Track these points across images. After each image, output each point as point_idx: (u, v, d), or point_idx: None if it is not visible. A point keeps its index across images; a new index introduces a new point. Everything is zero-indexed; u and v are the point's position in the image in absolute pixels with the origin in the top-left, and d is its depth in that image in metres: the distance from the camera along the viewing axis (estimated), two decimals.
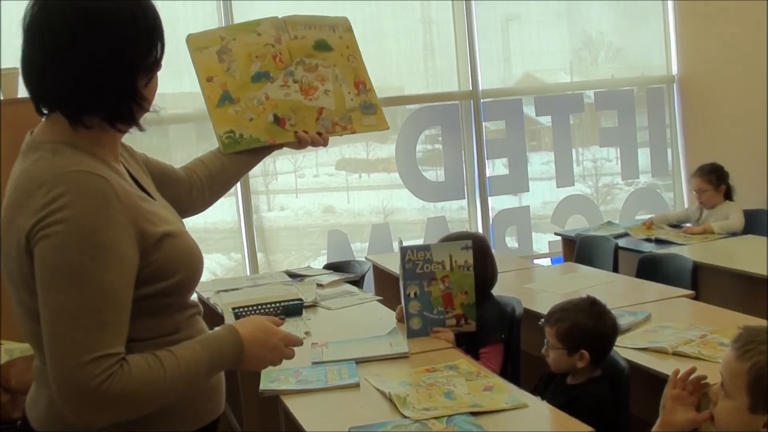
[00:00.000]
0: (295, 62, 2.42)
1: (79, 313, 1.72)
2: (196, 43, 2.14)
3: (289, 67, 2.41)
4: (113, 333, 1.76)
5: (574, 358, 3.30)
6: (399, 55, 7.43)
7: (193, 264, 1.99)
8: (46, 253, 1.72)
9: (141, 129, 1.94)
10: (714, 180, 6.29)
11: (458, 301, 3.90)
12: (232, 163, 2.48)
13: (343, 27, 2.55)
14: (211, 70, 2.28)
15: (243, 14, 6.59)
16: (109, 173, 1.83)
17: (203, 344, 1.94)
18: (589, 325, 3.33)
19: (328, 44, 2.49)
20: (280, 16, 2.47)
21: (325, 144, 2.45)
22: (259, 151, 2.48)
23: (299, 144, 2.41)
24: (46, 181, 1.75)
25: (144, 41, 1.85)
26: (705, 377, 2.33)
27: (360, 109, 2.52)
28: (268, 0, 6.76)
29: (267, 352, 2.07)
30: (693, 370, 2.33)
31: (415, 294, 3.88)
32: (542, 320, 3.47)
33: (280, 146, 2.43)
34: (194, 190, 2.41)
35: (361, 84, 2.54)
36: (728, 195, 6.31)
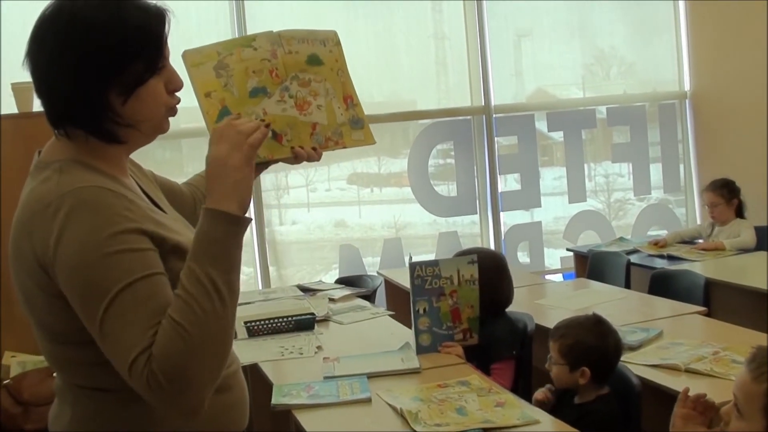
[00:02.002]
0: (290, 77, 2.42)
1: (113, 324, 1.68)
2: (192, 59, 2.14)
3: (284, 82, 2.41)
4: (154, 320, 1.69)
5: (575, 375, 3.30)
6: (411, 70, 7.45)
7: None
8: (68, 279, 1.70)
9: (130, 144, 1.90)
10: (726, 194, 6.28)
11: (465, 315, 3.90)
12: None
13: (332, 41, 2.55)
14: (208, 86, 2.28)
15: (255, 14, 6.66)
16: (117, 187, 1.81)
17: (192, 256, 1.76)
18: (592, 344, 3.32)
19: (320, 58, 2.49)
20: (274, 31, 2.48)
21: (318, 159, 2.46)
22: (258, 167, 2.49)
23: (295, 159, 2.41)
24: (52, 201, 1.73)
25: (116, 55, 1.79)
26: (714, 403, 2.32)
27: (349, 124, 2.53)
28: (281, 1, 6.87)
29: (221, 179, 1.80)
30: (704, 395, 2.32)
31: (424, 310, 3.88)
32: None
33: (276, 161, 2.44)
34: (198, 205, 2.38)
35: (349, 98, 2.54)
36: (740, 210, 6.29)
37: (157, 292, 1.73)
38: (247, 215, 1.81)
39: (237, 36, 6.51)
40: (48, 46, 1.80)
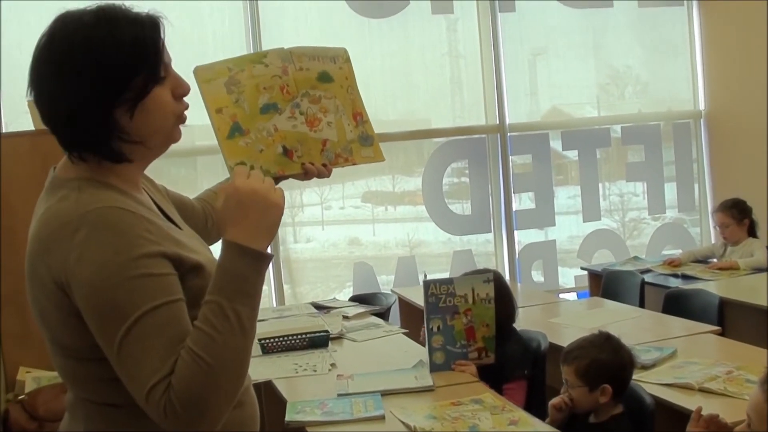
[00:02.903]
0: (301, 94, 2.44)
1: (130, 349, 1.69)
2: (203, 75, 2.15)
3: (295, 99, 2.42)
4: (173, 348, 1.70)
5: (595, 395, 3.29)
6: (426, 89, 7.48)
7: None
8: (86, 299, 1.71)
9: (128, 161, 1.85)
10: (736, 214, 6.27)
11: (480, 334, 3.90)
12: None
13: (342, 58, 2.56)
14: (220, 102, 2.29)
15: (268, 16, 6.72)
16: (135, 206, 1.81)
17: (214, 284, 1.76)
18: (608, 359, 3.32)
19: (330, 75, 2.50)
20: (285, 47, 2.49)
21: (328, 175, 2.46)
22: None
23: (305, 175, 2.41)
24: (72, 220, 1.73)
25: (116, 73, 1.77)
26: (727, 423, 2.31)
27: (359, 141, 2.53)
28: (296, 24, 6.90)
29: (258, 214, 1.80)
30: (717, 416, 2.31)
31: (438, 328, 3.88)
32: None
33: (286, 177, 2.44)
34: (209, 221, 2.41)
35: (359, 115, 2.55)
36: (752, 229, 6.28)
37: (178, 320, 1.73)
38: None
39: (251, 47, 6.59)
40: (46, 74, 1.79)
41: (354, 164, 2.54)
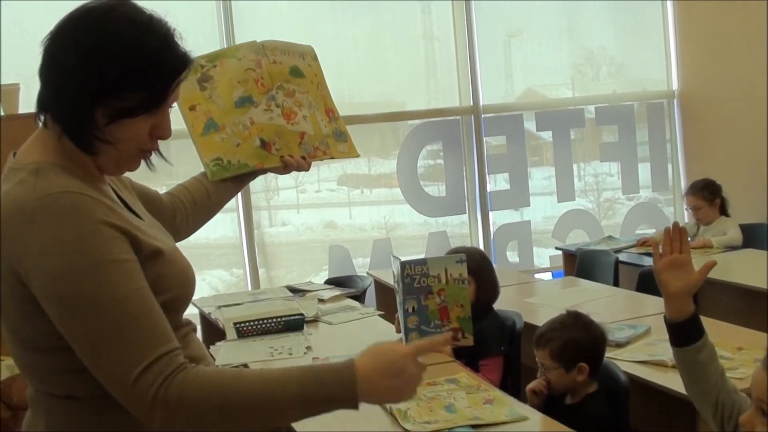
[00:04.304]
0: (276, 86, 2.43)
1: (108, 337, 1.66)
2: None
3: (270, 92, 2.42)
4: (152, 336, 1.69)
5: (573, 374, 3.31)
6: (400, 71, 7.46)
7: (187, 282, 1.93)
8: (48, 289, 1.67)
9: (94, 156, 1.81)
10: (708, 195, 6.31)
11: (454, 314, 3.90)
12: (216, 190, 2.44)
13: (310, 56, 2.57)
14: (193, 99, 2.28)
15: (242, 15, 6.68)
16: (94, 192, 1.76)
17: (300, 367, 1.79)
18: (581, 337, 3.35)
19: (301, 71, 2.50)
20: (258, 41, 2.48)
21: (308, 168, 2.45)
22: (243, 178, 2.45)
23: (284, 168, 2.40)
24: (26, 205, 1.68)
25: (121, 75, 1.73)
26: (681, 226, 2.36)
27: (333, 136, 2.54)
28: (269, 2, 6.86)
29: (392, 380, 1.79)
30: (670, 228, 2.34)
31: (413, 309, 3.88)
32: None
33: (264, 171, 2.43)
34: (177, 216, 2.35)
35: (331, 112, 2.56)
36: (723, 208, 6.33)
37: (150, 307, 1.72)
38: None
39: (224, 35, 6.55)
40: (65, 36, 1.76)
41: (332, 158, 2.54)
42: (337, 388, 1.75)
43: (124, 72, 1.73)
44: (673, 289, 2.35)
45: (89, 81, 1.73)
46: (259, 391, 1.71)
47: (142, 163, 1.91)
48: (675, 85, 8.16)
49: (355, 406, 1.77)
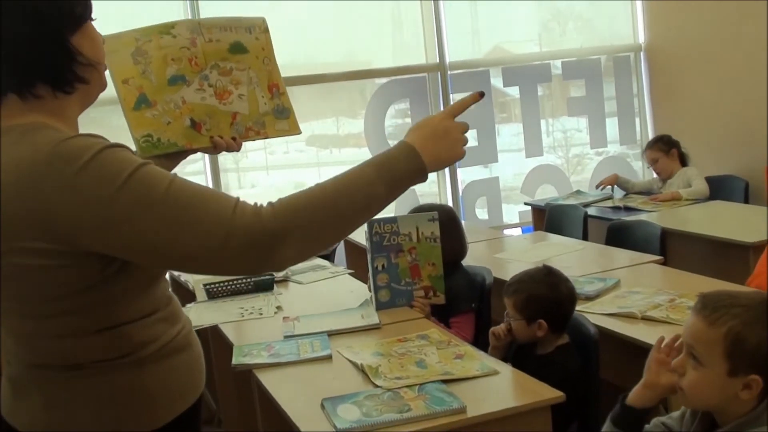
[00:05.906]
0: (210, 66, 2.41)
1: (186, 210, 1.71)
2: (110, 45, 2.10)
3: (204, 71, 2.40)
4: (220, 194, 1.77)
5: (533, 328, 3.33)
6: (366, 29, 7.41)
7: None
8: (106, 221, 1.67)
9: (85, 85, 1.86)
10: (663, 146, 6.40)
11: (425, 272, 3.91)
12: None
13: (260, 28, 2.53)
14: (126, 72, 2.26)
15: (209, 12, 6.58)
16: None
17: (365, 161, 1.93)
18: (545, 295, 3.36)
19: (244, 46, 2.47)
20: (195, 19, 2.46)
21: (238, 149, 2.46)
22: (174, 156, 2.43)
23: (214, 149, 2.40)
24: (41, 158, 1.67)
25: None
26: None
27: (273, 114, 2.52)
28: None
29: (442, 142, 1.95)
30: (678, 337, 2.33)
31: (383, 266, 3.88)
32: None
33: (194, 151, 2.42)
34: None
35: (275, 87, 2.53)
36: (682, 158, 6.39)
37: (195, 186, 1.76)
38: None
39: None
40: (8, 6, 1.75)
41: (266, 137, 2.53)
42: (407, 164, 1.91)
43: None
44: (663, 381, 2.29)
45: (51, 17, 1.76)
46: (343, 184, 1.84)
47: None
48: (641, 39, 8.16)
49: (426, 176, 1.95)
